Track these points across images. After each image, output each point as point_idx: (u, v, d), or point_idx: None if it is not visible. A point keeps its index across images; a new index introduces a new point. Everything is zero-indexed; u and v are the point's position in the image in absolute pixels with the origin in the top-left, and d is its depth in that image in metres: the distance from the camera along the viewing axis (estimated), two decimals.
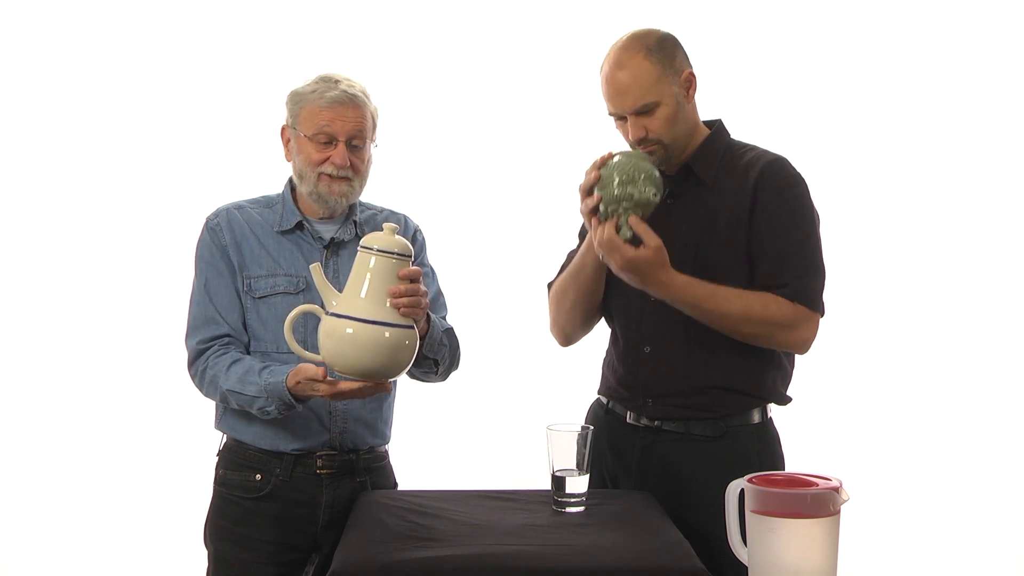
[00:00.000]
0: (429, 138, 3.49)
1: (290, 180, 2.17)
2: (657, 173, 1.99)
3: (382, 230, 1.89)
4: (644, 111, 2.05)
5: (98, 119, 3.45)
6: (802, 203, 2.09)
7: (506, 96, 3.49)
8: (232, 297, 2.09)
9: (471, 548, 1.71)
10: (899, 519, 3.45)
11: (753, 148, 2.16)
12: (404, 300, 1.84)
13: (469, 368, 3.39)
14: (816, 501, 1.58)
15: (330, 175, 2.05)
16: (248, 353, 2.09)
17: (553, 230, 3.36)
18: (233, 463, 2.11)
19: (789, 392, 2.17)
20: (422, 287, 1.89)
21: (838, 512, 1.60)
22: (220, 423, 2.14)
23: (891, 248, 3.46)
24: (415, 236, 2.25)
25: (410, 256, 1.88)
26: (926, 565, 3.44)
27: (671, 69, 2.06)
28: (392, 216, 2.24)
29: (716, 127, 2.18)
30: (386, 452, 2.21)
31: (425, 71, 3.51)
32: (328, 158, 2.04)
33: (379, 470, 2.18)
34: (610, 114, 2.10)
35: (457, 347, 2.19)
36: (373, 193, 2.25)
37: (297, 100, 2.08)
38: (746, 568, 1.65)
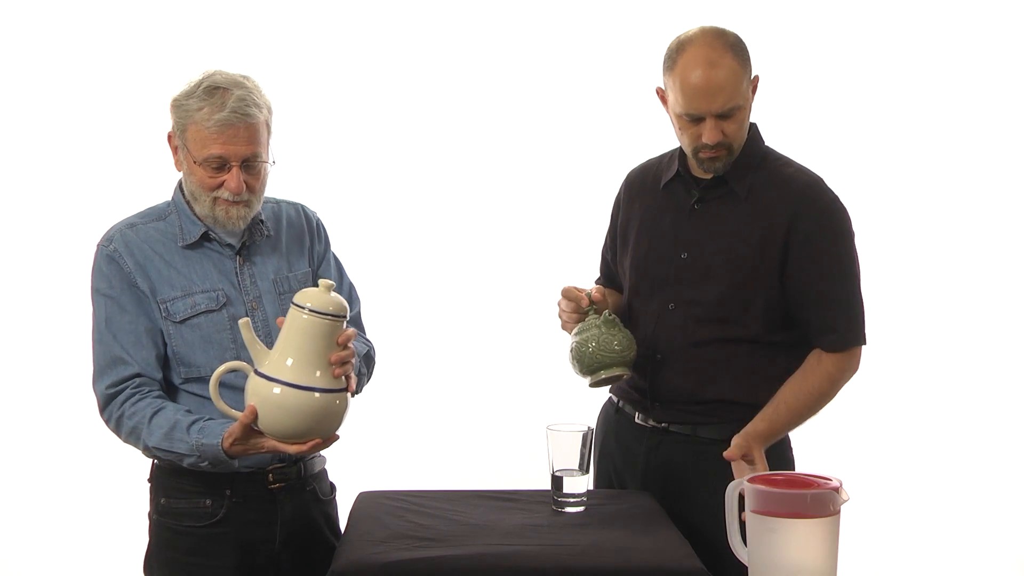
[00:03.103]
0: (433, 138, 3.48)
1: (180, 186, 1.98)
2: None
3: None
4: (726, 114, 1.97)
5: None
6: (843, 231, 2.05)
7: (511, 95, 3.48)
8: (139, 333, 1.90)
9: (471, 548, 1.71)
10: (899, 519, 3.44)
11: (789, 163, 2.10)
12: (343, 368, 1.76)
13: (469, 368, 3.42)
14: (816, 501, 1.57)
15: (226, 199, 1.88)
16: (162, 389, 1.92)
17: (554, 230, 3.38)
18: (176, 490, 1.94)
19: None
20: (352, 347, 1.80)
21: (838, 512, 1.60)
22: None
23: (892, 251, 3.46)
24: (318, 228, 2.12)
25: (345, 316, 1.77)
26: (926, 565, 3.44)
27: (748, 71, 2.00)
28: (290, 206, 2.10)
29: (752, 133, 2.10)
30: (324, 456, 2.10)
31: (414, 70, 3.49)
32: (222, 183, 1.87)
33: (321, 475, 2.09)
34: (684, 114, 1.98)
35: (372, 368, 2.09)
36: (379, 192, 2.21)
37: (182, 114, 1.87)
38: (746, 568, 1.65)
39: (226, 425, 1.81)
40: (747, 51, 2.01)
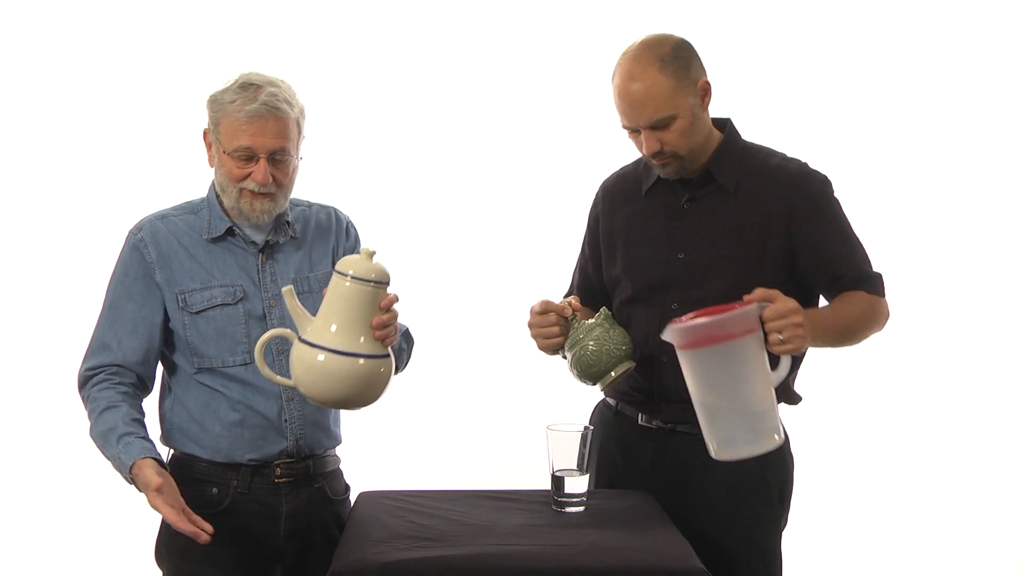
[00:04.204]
0: (436, 142, 3.49)
1: (214, 183, 2.05)
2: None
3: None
4: (658, 126, 1.99)
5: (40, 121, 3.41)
6: (837, 205, 2.09)
7: (513, 95, 3.49)
8: (137, 322, 1.98)
9: (471, 548, 1.71)
10: (899, 519, 3.44)
11: (772, 153, 2.13)
12: (386, 331, 1.79)
13: (469, 368, 3.42)
14: (709, 329, 1.74)
15: (252, 191, 1.95)
16: (139, 384, 1.98)
17: (552, 229, 3.38)
18: (186, 478, 1.96)
19: (798, 392, 2.17)
20: (395, 311, 1.83)
21: (746, 333, 1.75)
22: (168, 439, 2.05)
23: (892, 250, 3.44)
24: (347, 229, 2.16)
25: (387, 282, 1.81)
26: (926, 565, 3.44)
27: (687, 80, 2.00)
28: (322, 210, 2.14)
29: (729, 129, 2.13)
30: (338, 456, 2.16)
31: (416, 71, 3.51)
32: (249, 174, 1.93)
33: (333, 475, 2.12)
34: (624, 127, 2.05)
35: (412, 346, 2.13)
36: (380, 194, 2.22)
37: (217, 109, 1.95)
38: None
39: (150, 451, 1.82)
40: (687, 59, 2.02)
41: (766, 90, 3.44)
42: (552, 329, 2.02)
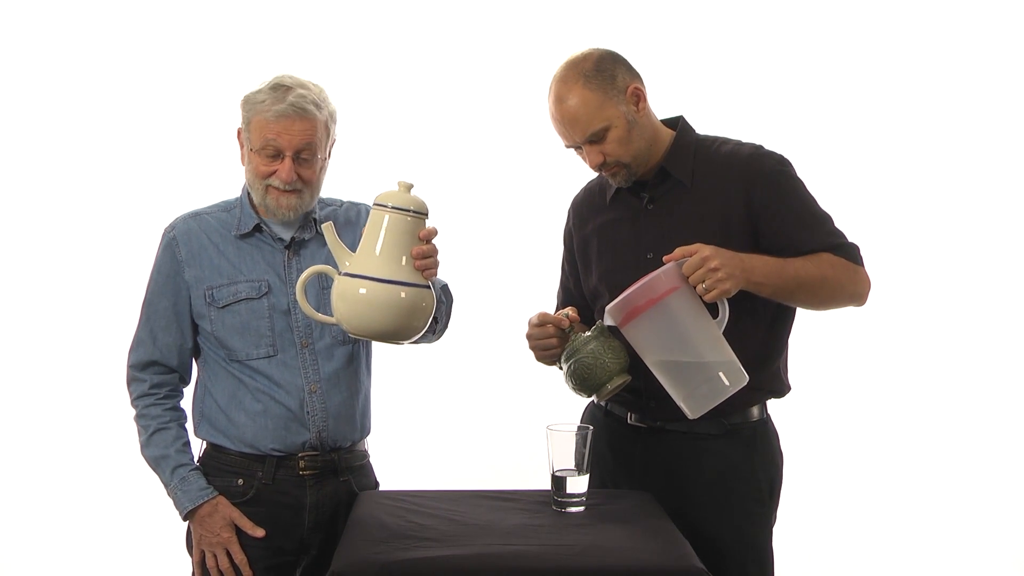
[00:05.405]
0: (439, 142, 3.50)
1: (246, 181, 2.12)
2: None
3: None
4: (595, 139, 2.03)
5: (82, 120, 3.45)
6: (796, 182, 2.08)
7: (511, 94, 3.49)
8: (169, 320, 2.07)
9: (471, 548, 1.71)
10: (899, 519, 3.45)
11: (725, 140, 2.14)
12: (426, 262, 1.84)
13: (470, 367, 3.42)
14: (635, 298, 1.81)
15: (277, 187, 2.00)
16: (178, 375, 2.11)
17: (553, 229, 3.39)
18: (214, 469, 2.08)
19: (788, 384, 2.16)
20: (435, 245, 1.87)
21: (671, 292, 1.83)
22: (199, 430, 2.12)
23: (892, 248, 3.46)
24: None
25: (426, 213, 1.85)
26: (926, 565, 3.44)
27: (614, 89, 2.03)
28: (352, 207, 2.19)
29: (681, 125, 2.15)
30: (366, 451, 2.20)
31: (426, 69, 3.52)
32: (275, 171, 1.99)
33: (361, 469, 2.16)
34: (566, 147, 2.09)
35: (452, 303, 2.17)
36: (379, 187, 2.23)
37: (248, 108, 2.02)
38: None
39: (205, 492, 2.02)
40: (611, 70, 2.04)
41: (763, 89, 3.44)
42: (550, 341, 2.03)
